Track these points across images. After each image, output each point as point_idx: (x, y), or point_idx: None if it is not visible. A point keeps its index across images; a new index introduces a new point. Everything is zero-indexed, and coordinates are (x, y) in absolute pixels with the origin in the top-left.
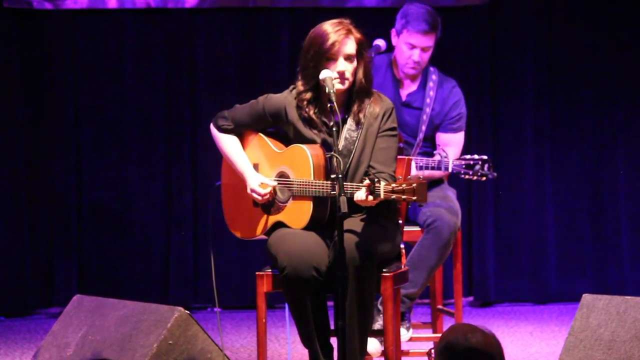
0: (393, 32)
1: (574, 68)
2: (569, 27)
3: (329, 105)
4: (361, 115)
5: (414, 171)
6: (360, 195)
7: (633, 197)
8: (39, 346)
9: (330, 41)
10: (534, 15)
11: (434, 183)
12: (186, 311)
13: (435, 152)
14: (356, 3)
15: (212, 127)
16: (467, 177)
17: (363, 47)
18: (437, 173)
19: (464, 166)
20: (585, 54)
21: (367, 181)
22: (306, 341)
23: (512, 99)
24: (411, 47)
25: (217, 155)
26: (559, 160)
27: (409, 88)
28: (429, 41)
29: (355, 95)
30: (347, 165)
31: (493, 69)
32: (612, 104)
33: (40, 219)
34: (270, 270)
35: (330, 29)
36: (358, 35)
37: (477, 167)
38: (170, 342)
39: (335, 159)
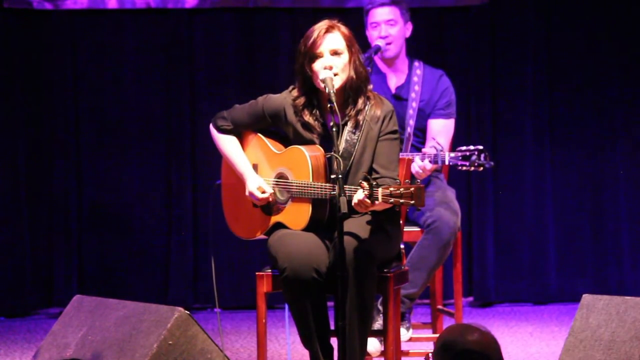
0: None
1: (574, 68)
2: (569, 27)
3: (329, 105)
4: (360, 118)
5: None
6: (359, 195)
7: (633, 197)
8: (39, 346)
9: (312, 39)
10: (534, 15)
11: (433, 183)
12: (186, 311)
13: (430, 145)
14: (356, 3)
15: (211, 127)
16: (464, 168)
17: (352, 42)
18: (433, 167)
19: (460, 158)
20: (585, 54)
21: (364, 183)
22: (306, 342)
23: (512, 99)
24: (375, 25)
25: (217, 155)
26: (559, 160)
27: (396, 81)
28: (389, 14)
29: (348, 91)
30: (347, 168)
31: (493, 69)
32: (612, 104)
33: (40, 219)
34: (270, 270)
35: (314, 27)
36: (345, 31)
37: (474, 157)
38: (170, 342)
39: (335, 159)
